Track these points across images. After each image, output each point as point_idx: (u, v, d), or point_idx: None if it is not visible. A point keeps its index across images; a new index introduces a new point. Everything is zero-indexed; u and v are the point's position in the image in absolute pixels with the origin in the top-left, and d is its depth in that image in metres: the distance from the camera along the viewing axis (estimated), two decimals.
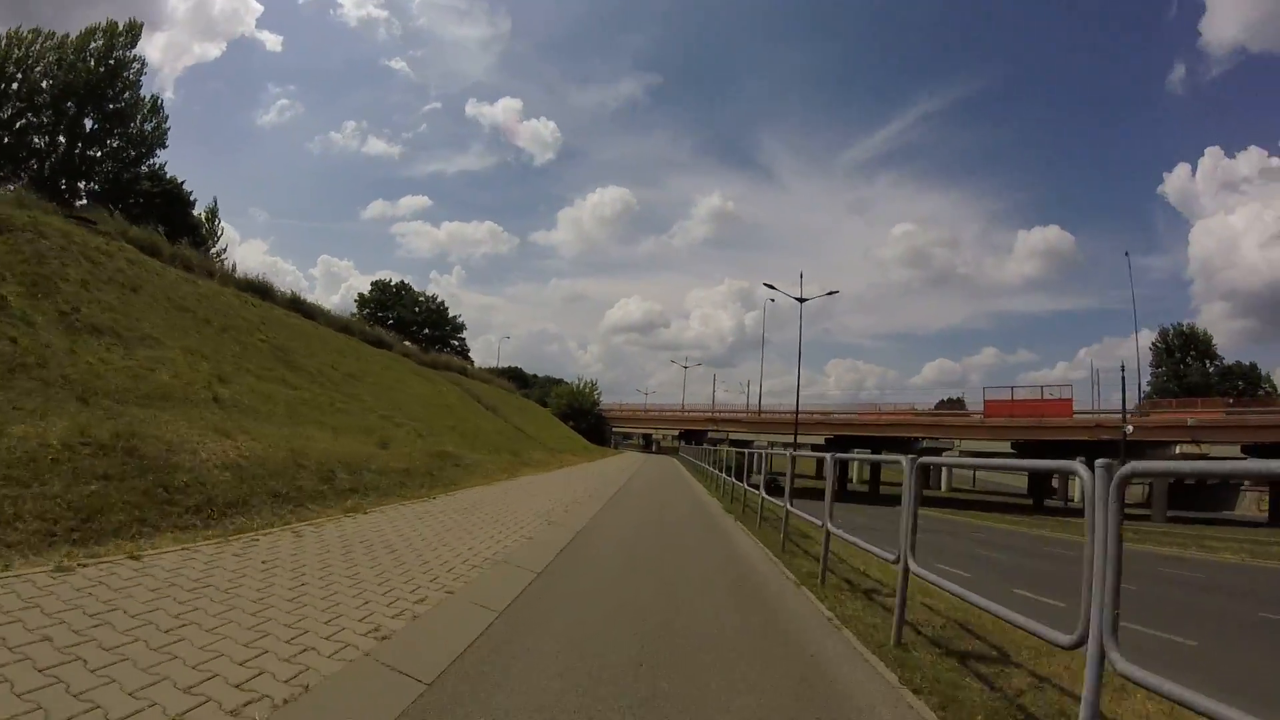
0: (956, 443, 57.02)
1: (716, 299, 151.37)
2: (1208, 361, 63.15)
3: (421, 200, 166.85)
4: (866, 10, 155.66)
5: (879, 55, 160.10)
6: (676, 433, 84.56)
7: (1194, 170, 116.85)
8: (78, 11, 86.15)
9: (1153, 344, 63.19)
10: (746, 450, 17.10)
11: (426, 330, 74.06)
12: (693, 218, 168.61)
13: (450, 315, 79.40)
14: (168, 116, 40.13)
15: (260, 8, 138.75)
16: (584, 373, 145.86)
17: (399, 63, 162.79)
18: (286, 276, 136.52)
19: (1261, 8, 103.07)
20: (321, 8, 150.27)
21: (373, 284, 77.87)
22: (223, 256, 34.72)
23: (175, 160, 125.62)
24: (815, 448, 65.29)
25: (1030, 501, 56.40)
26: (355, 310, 73.65)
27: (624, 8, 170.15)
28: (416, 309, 75.34)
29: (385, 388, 21.28)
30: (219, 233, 42.97)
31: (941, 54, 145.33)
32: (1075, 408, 50.69)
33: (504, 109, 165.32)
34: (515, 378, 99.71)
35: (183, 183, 39.75)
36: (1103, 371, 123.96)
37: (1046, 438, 49.57)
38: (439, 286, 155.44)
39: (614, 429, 77.40)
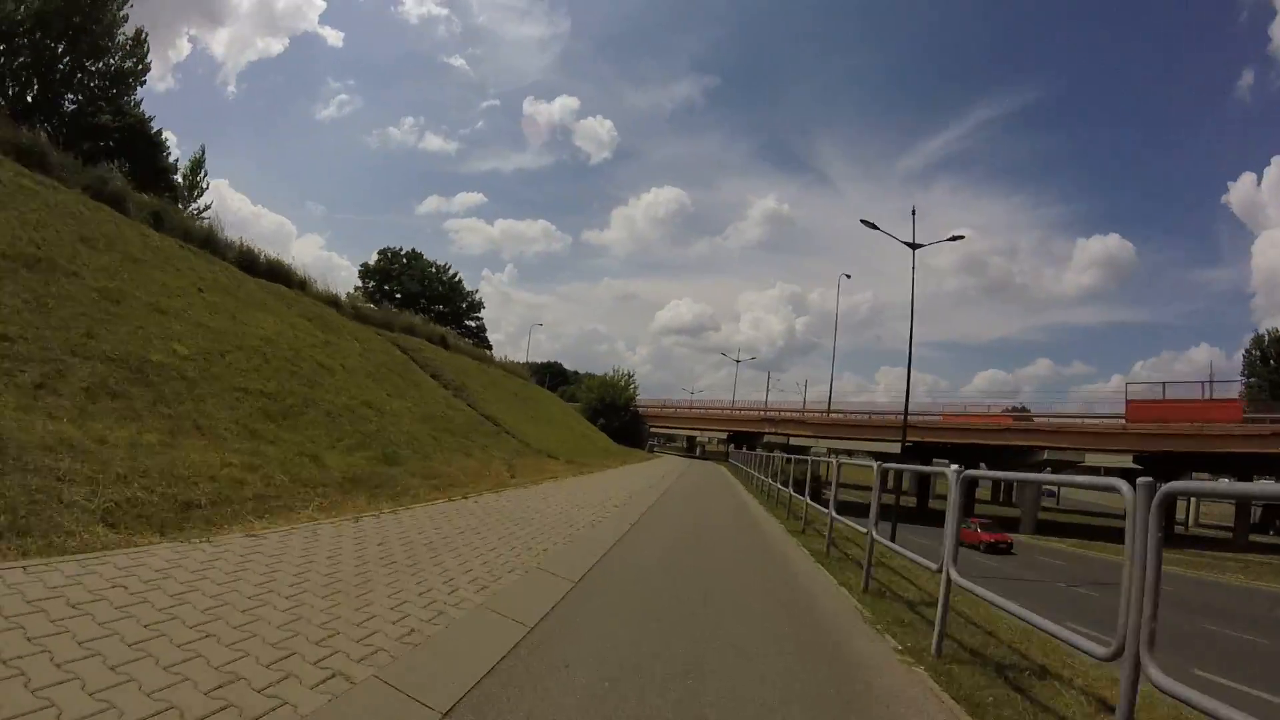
0: (1085, 456, 43.81)
1: (767, 303, 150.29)
2: None
3: (476, 197, 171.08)
4: (925, 17, 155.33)
5: (936, 62, 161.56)
6: (725, 435, 72.57)
7: (1259, 179, 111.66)
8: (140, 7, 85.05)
9: (1245, 351, 54.82)
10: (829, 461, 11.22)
11: (440, 306, 64.22)
12: (747, 219, 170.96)
13: (466, 291, 69.44)
14: (149, 51, 33.33)
15: (323, 4, 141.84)
16: (634, 373, 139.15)
17: (458, 60, 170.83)
18: (341, 272, 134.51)
19: None
20: (383, 4, 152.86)
21: (379, 253, 68.58)
22: (204, 214, 28.72)
23: (233, 151, 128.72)
24: (885, 457, 53.01)
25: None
26: (360, 283, 64.90)
27: (682, 9, 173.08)
28: (426, 282, 65.44)
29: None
30: (204, 187, 37.49)
31: (1001, 61, 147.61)
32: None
33: (561, 107, 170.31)
34: (555, 374, 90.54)
35: (151, 119, 33.11)
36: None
37: (1210, 449, 37.26)
38: (491, 284, 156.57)
39: (652, 429, 65.93)
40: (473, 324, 69.70)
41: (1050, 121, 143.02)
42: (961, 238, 30.00)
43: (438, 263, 68.52)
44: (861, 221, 28.15)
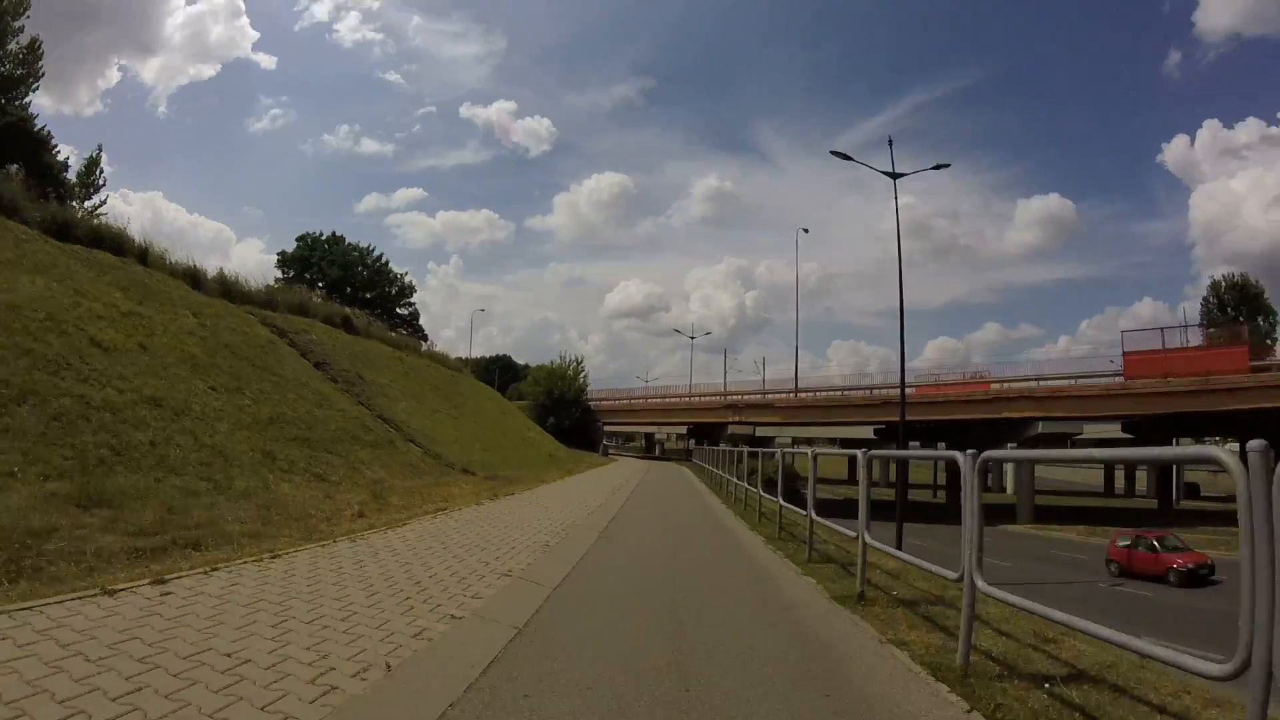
0: (1083, 428, 40.63)
1: (716, 279, 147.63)
2: (1263, 318, 52.41)
3: (416, 192, 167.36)
4: (860, 7, 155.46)
5: (873, 52, 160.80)
6: (685, 429, 68.41)
7: (1192, 140, 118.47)
8: (77, 34, 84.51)
9: (1203, 300, 54.02)
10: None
11: (365, 294, 58.16)
12: (690, 197, 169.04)
13: (395, 274, 63.33)
14: (43, 54, 34.54)
15: (256, 34, 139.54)
16: (588, 364, 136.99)
17: (393, 75, 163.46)
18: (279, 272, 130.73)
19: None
20: (317, 32, 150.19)
21: (298, 239, 61.92)
22: (99, 212, 28.07)
23: (166, 166, 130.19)
24: (855, 443, 49.70)
25: (1155, 504, 41.12)
26: (279, 273, 58.16)
27: (620, 20, 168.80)
28: (350, 267, 59.12)
29: None
30: (99, 184, 37.99)
31: (937, 47, 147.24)
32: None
33: (498, 110, 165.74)
34: (504, 368, 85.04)
35: (35, 116, 33.85)
36: (1104, 345, 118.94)
37: (1221, 406, 32.39)
38: (437, 277, 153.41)
39: (606, 425, 61.26)
40: (404, 311, 63.69)
41: (987, 100, 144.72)
42: (947, 165, 26.17)
43: (361, 245, 62.19)
44: (832, 153, 25.08)
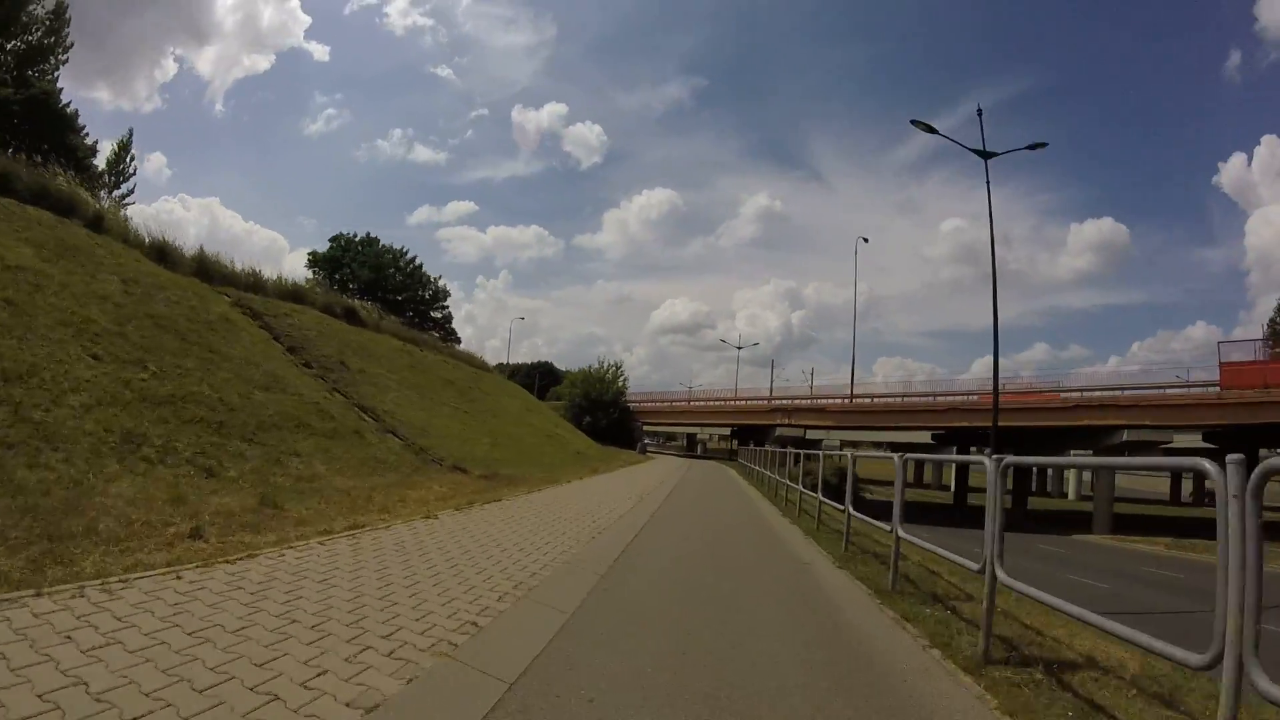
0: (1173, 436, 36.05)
1: (763, 299, 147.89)
2: None
3: (468, 205, 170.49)
4: (914, 7, 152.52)
5: (924, 55, 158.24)
6: (729, 430, 65.05)
7: (1250, 160, 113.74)
8: (130, 18, 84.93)
9: (1271, 320, 48.89)
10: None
11: (397, 296, 56.60)
12: (739, 217, 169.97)
13: (429, 277, 61.66)
14: (70, 19, 30.80)
15: (309, 19, 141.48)
16: (630, 374, 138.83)
17: (445, 70, 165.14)
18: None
19: None
20: (368, 16, 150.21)
21: (330, 240, 60.88)
22: (127, 201, 27.83)
23: (223, 169, 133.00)
24: (910, 448, 45.86)
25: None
26: (310, 274, 57.13)
27: (668, 11, 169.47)
28: (382, 269, 57.67)
29: None
30: (129, 172, 34.60)
31: (991, 51, 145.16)
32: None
33: (550, 114, 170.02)
34: (545, 373, 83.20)
35: (61, 91, 30.08)
36: (1159, 365, 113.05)
37: None
38: (485, 290, 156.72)
39: (644, 425, 58.21)
40: (438, 315, 61.99)
41: (1040, 110, 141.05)
42: (1043, 145, 22.31)
43: (394, 247, 60.70)
44: (912, 123, 21.57)
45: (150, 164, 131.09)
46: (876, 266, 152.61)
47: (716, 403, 51.16)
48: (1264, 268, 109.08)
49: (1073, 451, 36.11)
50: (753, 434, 53.38)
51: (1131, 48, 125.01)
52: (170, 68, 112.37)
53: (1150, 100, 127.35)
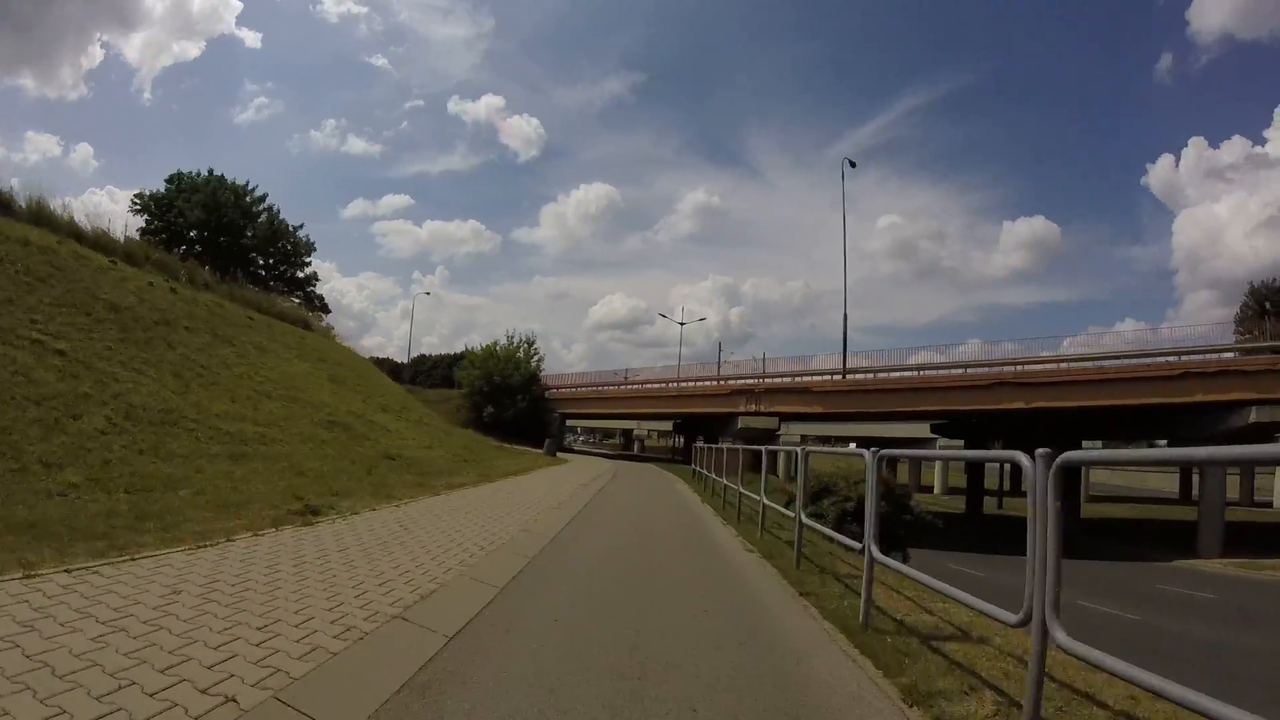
0: None
1: (701, 295, 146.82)
2: None
3: (403, 199, 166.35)
4: (850, 6, 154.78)
5: (863, 51, 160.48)
6: (673, 423, 53.40)
7: (1177, 161, 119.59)
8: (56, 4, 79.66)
9: (1241, 305, 47.98)
10: None
11: (223, 238, 42.45)
12: (677, 213, 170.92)
13: (285, 226, 47.42)
14: None
15: (240, 5, 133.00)
16: (569, 370, 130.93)
17: (380, 59, 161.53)
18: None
19: None
20: (302, 3, 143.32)
21: (168, 180, 45.73)
22: None
23: (153, 157, 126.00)
24: (902, 444, 35.86)
25: None
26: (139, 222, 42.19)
27: (608, 6, 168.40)
28: (219, 208, 43.15)
29: None
30: None
31: (926, 50, 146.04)
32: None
33: (487, 106, 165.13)
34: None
35: None
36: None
37: None
38: (423, 286, 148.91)
39: (568, 417, 45.84)
40: (298, 274, 47.84)
41: (974, 108, 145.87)
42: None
43: (241, 184, 46.14)
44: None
45: (77, 155, 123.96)
46: (813, 262, 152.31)
47: (657, 384, 39.05)
48: (1190, 267, 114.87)
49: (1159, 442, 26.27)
50: (703, 427, 41.68)
51: (1065, 47, 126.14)
52: (97, 54, 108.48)
53: (1082, 100, 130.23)
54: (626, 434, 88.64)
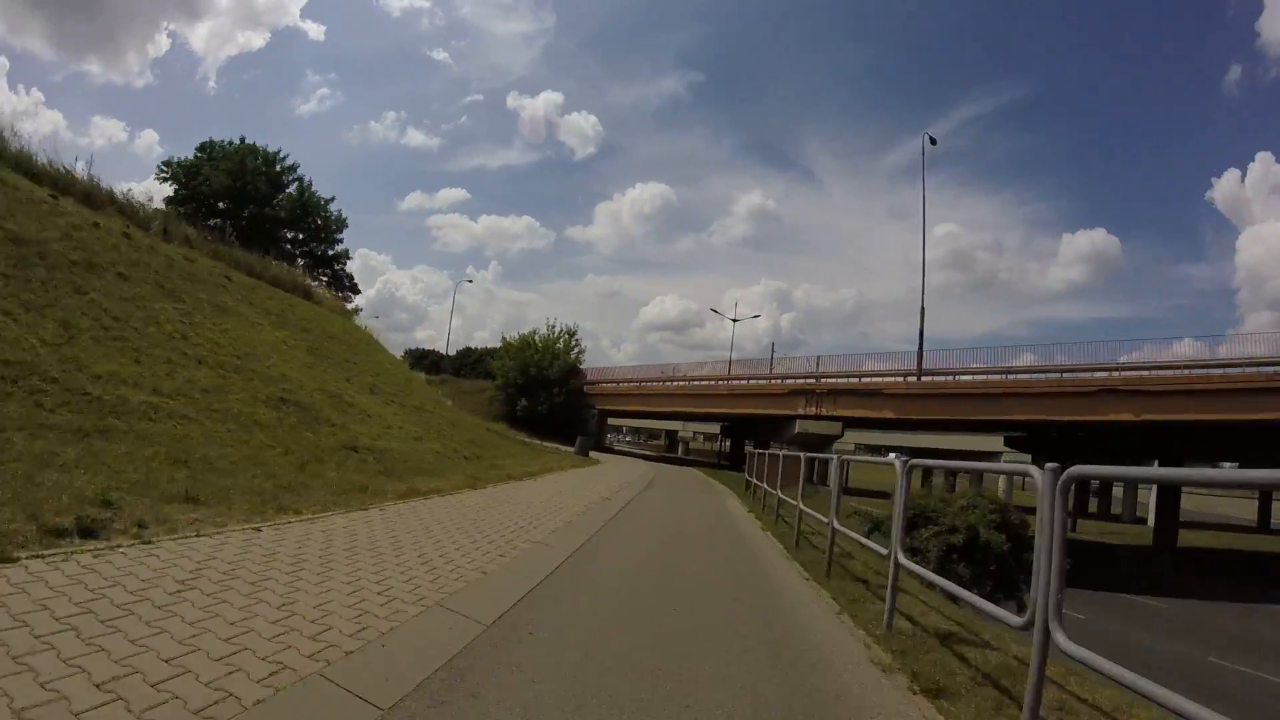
0: None
1: (753, 299, 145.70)
2: None
3: (459, 193, 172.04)
4: (910, 12, 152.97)
5: (921, 58, 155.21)
6: (720, 426, 49.63)
7: (1243, 176, 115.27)
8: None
9: None
10: None
11: (249, 209, 40.78)
12: (732, 215, 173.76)
13: (323, 200, 45.59)
14: None
15: None
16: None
17: (441, 53, 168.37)
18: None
19: None
20: None
21: (199, 147, 44.50)
22: None
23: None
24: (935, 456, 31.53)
25: None
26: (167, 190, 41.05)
27: (667, 6, 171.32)
28: (246, 175, 41.53)
29: None
30: None
31: (988, 58, 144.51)
32: None
33: (545, 101, 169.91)
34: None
35: None
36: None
37: None
38: (476, 282, 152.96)
39: (609, 414, 42.49)
40: (329, 252, 45.89)
41: (1036, 118, 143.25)
42: None
43: (272, 152, 44.42)
44: None
45: (141, 141, 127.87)
46: (865, 270, 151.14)
47: (705, 382, 35.22)
48: (1254, 285, 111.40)
49: None
50: (754, 430, 37.77)
51: (1130, 57, 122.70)
52: (163, 42, 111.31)
53: (1147, 111, 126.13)
54: (671, 435, 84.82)
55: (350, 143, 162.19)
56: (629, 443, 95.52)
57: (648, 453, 62.81)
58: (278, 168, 43.73)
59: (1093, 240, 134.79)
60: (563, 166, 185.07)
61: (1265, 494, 43.57)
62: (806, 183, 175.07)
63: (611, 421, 73.90)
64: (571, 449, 26.95)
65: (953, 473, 45.48)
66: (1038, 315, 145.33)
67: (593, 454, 27.65)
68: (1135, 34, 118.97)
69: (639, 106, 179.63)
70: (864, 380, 26.89)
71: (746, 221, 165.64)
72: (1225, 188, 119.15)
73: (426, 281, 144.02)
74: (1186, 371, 21.33)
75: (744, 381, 33.24)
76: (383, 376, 18.19)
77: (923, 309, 28.59)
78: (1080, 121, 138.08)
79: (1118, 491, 49.90)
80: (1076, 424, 22.76)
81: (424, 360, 63.53)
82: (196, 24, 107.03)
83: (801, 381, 28.73)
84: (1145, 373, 21.97)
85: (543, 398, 38.64)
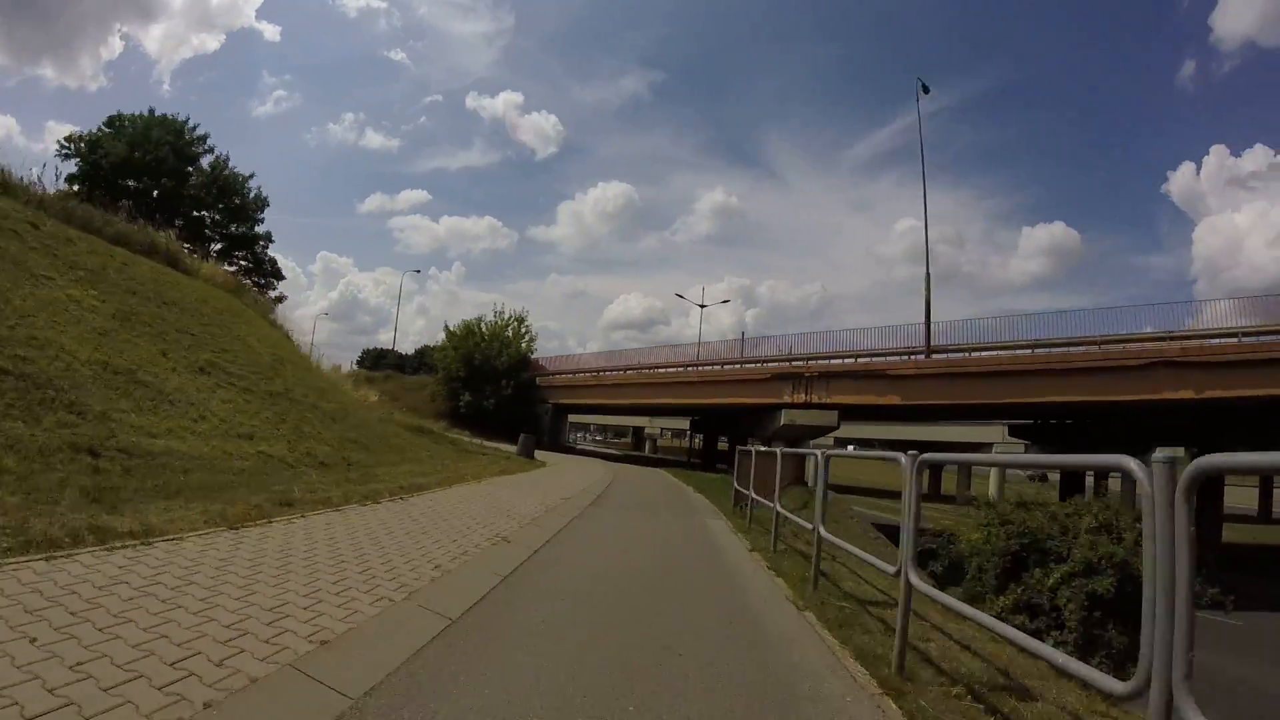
0: None
1: (718, 296, 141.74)
2: None
3: (421, 194, 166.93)
4: (870, 9, 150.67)
5: (882, 53, 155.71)
6: (690, 420, 45.43)
7: (1199, 169, 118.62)
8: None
9: None
10: None
11: (197, 212, 35.41)
12: (695, 213, 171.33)
13: (241, 177, 39.93)
14: None
15: None
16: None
17: (399, 54, 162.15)
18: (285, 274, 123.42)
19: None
20: None
21: (106, 121, 38.35)
22: None
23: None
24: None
25: None
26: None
27: (628, 4, 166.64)
28: (148, 147, 35.80)
29: None
30: None
31: (946, 53, 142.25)
32: None
33: (505, 102, 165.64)
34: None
35: None
36: None
37: None
38: (439, 283, 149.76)
39: (556, 405, 37.85)
40: (246, 232, 40.17)
41: (994, 113, 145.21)
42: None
43: (181, 121, 38.66)
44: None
45: None
46: (830, 264, 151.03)
47: (674, 369, 30.81)
48: (1210, 275, 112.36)
49: None
50: (730, 423, 33.73)
51: (1086, 53, 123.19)
52: (117, 45, 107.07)
53: (1103, 106, 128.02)
54: (638, 432, 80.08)
55: (309, 144, 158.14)
56: (597, 441, 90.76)
57: (613, 452, 58.43)
58: (186, 137, 37.92)
59: (1052, 233, 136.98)
60: (524, 166, 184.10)
61: (1265, 480, 41.27)
62: (769, 180, 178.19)
63: (574, 419, 69.08)
64: (507, 447, 22.43)
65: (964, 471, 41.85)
66: (1000, 306, 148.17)
67: (546, 454, 23.11)
68: (1090, 30, 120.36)
69: (600, 106, 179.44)
70: (862, 361, 22.79)
71: (710, 219, 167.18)
72: (1181, 180, 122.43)
73: (389, 284, 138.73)
74: (1260, 339, 17.72)
75: (717, 367, 28.95)
76: (239, 356, 13.35)
77: (928, 276, 24.74)
78: (1037, 117, 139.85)
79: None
80: (1125, 405, 19.03)
81: (382, 360, 58.12)
82: (150, 26, 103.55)
83: (788, 364, 24.55)
84: (1207, 341, 18.31)
85: (489, 391, 33.90)
